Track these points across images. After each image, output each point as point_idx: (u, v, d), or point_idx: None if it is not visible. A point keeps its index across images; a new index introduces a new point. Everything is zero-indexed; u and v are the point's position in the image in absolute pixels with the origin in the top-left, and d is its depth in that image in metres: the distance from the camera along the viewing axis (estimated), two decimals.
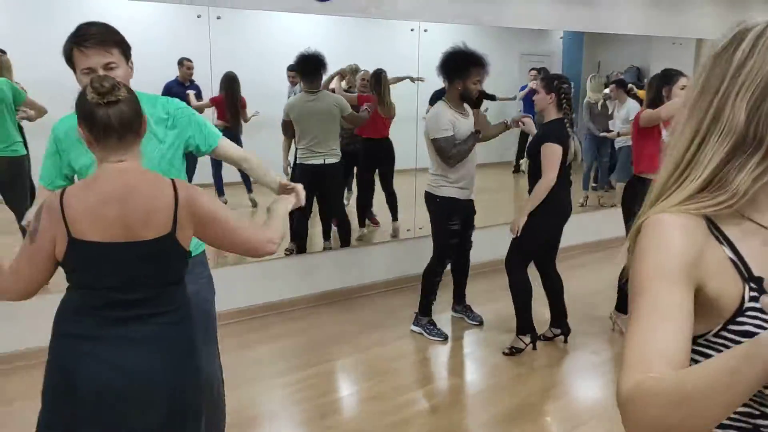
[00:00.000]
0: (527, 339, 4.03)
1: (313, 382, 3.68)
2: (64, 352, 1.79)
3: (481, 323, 4.48)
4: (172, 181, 1.82)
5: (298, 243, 4.93)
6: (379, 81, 5.14)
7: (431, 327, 4.26)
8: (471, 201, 4.17)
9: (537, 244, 3.94)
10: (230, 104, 4.70)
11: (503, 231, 4.07)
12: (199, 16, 4.08)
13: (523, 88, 7.23)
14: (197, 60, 4.51)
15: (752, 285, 0.97)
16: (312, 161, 4.71)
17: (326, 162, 4.74)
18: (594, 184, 7.23)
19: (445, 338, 4.22)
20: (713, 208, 0.98)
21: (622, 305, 4.36)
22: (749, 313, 0.96)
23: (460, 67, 3.88)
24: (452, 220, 4.08)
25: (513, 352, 3.99)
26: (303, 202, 2.18)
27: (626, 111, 6.46)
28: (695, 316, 0.95)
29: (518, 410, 3.40)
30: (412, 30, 4.94)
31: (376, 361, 3.97)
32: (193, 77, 4.67)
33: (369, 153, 5.35)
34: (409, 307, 4.57)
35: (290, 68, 5.07)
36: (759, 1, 7.16)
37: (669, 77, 4.25)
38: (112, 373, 1.73)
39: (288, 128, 4.79)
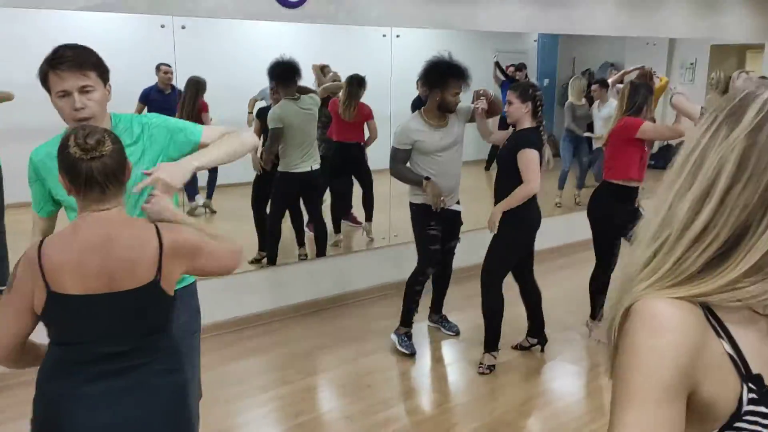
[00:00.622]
0: (497, 354, 3.96)
1: (289, 400, 3.60)
2: (48, 412, 1.70)
3: (457, 333, 4.42)
4: (156, 226, 1.74)
5: (270, 251, 4.82)
6: (361, 86, 5.11)
7: (404, 338, 4.15)
8: (453, 212, 4.08)
9: (514, 257, 3.88)
10: (188, 107, 4.55)
11: (483, 234, 3.95)
12: (163, 26, 3.96)
13: (504, 85, 7.20)
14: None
15: (751, 386, 0.86)
16: (301, 168, 4.65)
17: (313, 168, 4.71)
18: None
19: (412, 354, 4.10)
20: (718, 296, 0.86)
21: (596, 313, 4.33)
22: (748, 417, 0.86)
23: (439, 78, 3.80)
24: (430, 225, 3.97)
25: (491, 370, 3.90)
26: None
27: (608, 111, 6.44)
28: (687, 421, 0.86)
29: (500, 423, 3.35)
30: (384, 36, 4.86)
31: (354, 377, 3.90)
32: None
33: (343, 157, 5.31)
34: (387, 317, 4.50)
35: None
36: (729, 3, 7.20)
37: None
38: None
39: (279, 137, 4.60)
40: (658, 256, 0.90)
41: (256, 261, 4.87)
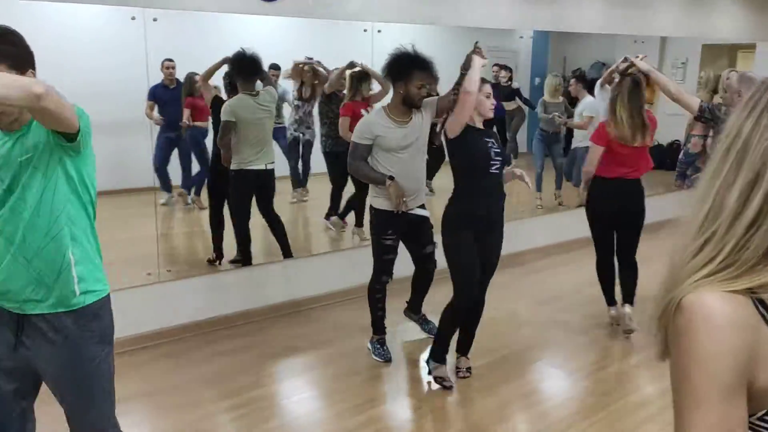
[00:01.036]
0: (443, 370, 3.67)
1: (257, 405, 3.49)
2: None
3: (431, 334, 4.21)
4: None
5: (244, 251, 4.69)
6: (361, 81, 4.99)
7: (378, 346, 4.00)
8: (417, 217, 3.82)
9: (459, 266, 3.49)
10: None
11: None
12: (133, 18, 3.84)
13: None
14: (133, 63, 4.21)
15: None
16: (255, 166, 4.51)
17: (267, 167, 4.57)
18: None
19: (387, 360, 3.94)
20: None
21: (610, 299, 4.39)
22: None
23: (402, 70, 3.60)
24: (386, 234, 3.77)
25: (439, 381, 3.63)
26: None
27: (582, 107, 6.34)
28: None
29: (476, 428, 3.25)
30: (365, 31, 4.75)
31: (324, 381, 3.79)
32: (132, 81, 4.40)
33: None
34: (359, 320, 4.36)
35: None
36: (720, 2, 7.12)
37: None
38: None
39: (230, 131, 4.44)
40: (708, 246, 0.90)
41: (233, 263, 4.73)
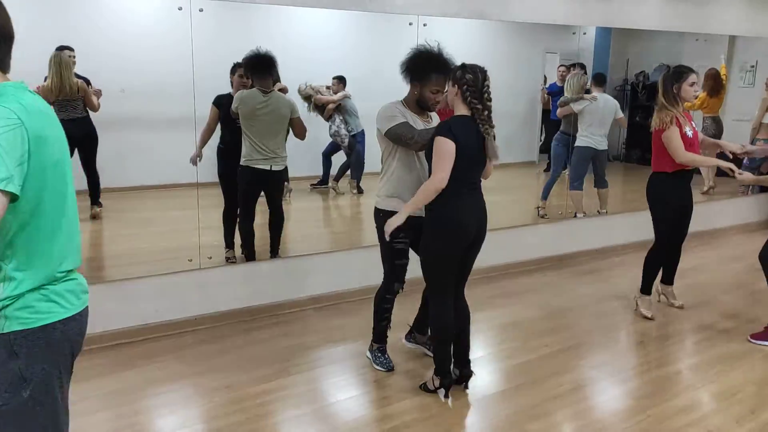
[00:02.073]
0: (437, 382, 3.44)
1: (291, 391, 3.49)
2: None
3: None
4: None
5: (248, 250, 4.67)
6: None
7: (379, 355, 3.81)
8: (420, 219, 3.34)
9: (437, 268, 3.27)
10: None
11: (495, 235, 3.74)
12: (180, 9, 3.93)
13: (552, 87, 6.94)
14: (179, 55, 4.25)
15: None
16: (259, 165, 4.49)
17: (272, 168, 4.52)
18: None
19: (390, 369, 3.75)
20: None
21: (646, 287, 4.63)
22: None
23: (420, 71, 3.38)
24: (398, 238, 3.44)
25: (423, 388, 3.50)
26: None
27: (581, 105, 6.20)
28: None
29: None
30: (410, 24, 4.72)
31: (358, 371, 3.75)
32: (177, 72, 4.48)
33: None
34: (396, 314, 4.25)
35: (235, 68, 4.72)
36: None
37: (678, 74, 4.26)
38: None
39: (232, 119, 4.48)
40: None
41: (230, 260, 4.72)
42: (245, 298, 4.47)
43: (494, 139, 3.16)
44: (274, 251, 4.76)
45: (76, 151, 4.22)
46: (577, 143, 6.18)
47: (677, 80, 4.21)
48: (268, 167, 4.50)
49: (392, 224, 3.21)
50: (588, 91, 6.25)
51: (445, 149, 3.05)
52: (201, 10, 3.98)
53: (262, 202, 4.69)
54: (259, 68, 4.37)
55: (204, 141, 4.59)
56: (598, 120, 6.13)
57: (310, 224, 4.99)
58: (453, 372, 3.46)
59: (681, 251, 4.68)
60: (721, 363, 3.89)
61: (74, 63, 4.18)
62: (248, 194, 4.62)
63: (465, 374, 3.49)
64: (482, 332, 4.29)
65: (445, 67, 3.35)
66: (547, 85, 7.08)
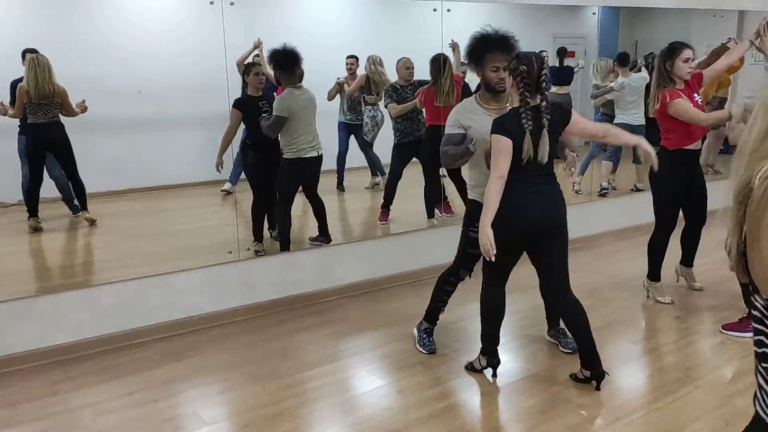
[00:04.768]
0: (484, 362, 3.50)
1: (333, 378, 3.53)
2: None
3: (574, 351, 3.66)
4: None
5: (285, 239, 4.74)
6: (440, 68, 4.95)
7: (424, 336, 3.85)
8: None
9: (503, 258, 3.18)
10: None
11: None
12: (212, 3, 3.96)
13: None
14: (211, 49, 4.26)
15: None
16: (310, 154, 4.71)
17: (319, 153, 4.79)
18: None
19: (431, 352, 3.76)
20: None
21: (654, 274, 4.50)
22: None
23: (475, 55, 3.37)
24: (473, 226, 3.42)
25: (469, 368, 3.56)
26: None
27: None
28: None
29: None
30: (434, 10, 4.75)
31: (397, 356, 3.80)
32: (208, 68, 4.52)
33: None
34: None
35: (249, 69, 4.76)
36: None
37: (671, 51, 4.08)
38: None
39: (281, 126, 4.58)
40: None
41: (259, 252, 4.73)
42: (284, 287, 4.51)
43: (544, 128, 3.05)
44: (324, 235, 4.91)
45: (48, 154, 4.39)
46: (615, 120, 6.44)
47: (670, 56, 4.02)
48: (316, 153, 4.73)
49: (484, 242, 3.08)
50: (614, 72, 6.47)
51: (499, 147, 3.01)
52: (232, 4, 4.01)
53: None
54: (289, 65, 4.49)
55: (225, 146, 4.65)
56: (629, 100, 6.44)
57: (341, 215, 5.06)
58: (582, 372, 3.38)
59: (701, 234, 4.48)
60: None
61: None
62: (293, 185, 4.78)
63: (595, 375, 3.33)
64: (522, 312, 4.33)
65: (497, 44, 3.31)
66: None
